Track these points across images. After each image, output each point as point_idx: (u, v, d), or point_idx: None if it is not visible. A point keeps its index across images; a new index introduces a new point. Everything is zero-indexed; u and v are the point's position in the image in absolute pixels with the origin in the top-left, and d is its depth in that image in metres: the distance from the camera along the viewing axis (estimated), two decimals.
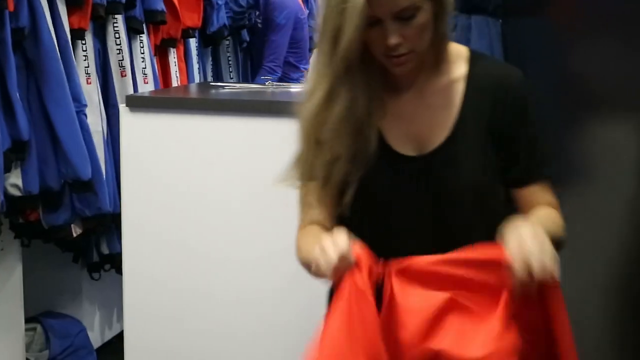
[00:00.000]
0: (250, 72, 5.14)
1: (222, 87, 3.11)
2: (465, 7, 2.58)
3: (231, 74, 4.89)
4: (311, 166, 1.75)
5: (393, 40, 1.63)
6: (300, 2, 5.15)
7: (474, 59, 1.78)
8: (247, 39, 4.87)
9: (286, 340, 2.59)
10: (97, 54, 3.52)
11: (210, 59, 4.70)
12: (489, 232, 1.64)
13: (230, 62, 4.88)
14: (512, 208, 1.74)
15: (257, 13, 4.87)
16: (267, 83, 3.30)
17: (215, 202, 2.86)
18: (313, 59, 1.87)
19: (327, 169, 1.73)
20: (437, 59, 1.75)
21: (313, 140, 1.74)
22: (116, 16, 3.53)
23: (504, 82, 1.75)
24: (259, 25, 4.92)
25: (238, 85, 3.32)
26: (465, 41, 2.51)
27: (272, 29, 4.90)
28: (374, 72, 1.71)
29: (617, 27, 2.07)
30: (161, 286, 2.98)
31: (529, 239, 1.51)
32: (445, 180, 1.73)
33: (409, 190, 1.74)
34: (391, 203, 1.75)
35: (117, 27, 3.54)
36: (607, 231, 2.03)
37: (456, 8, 2.47)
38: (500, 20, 2.65)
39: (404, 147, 1.75)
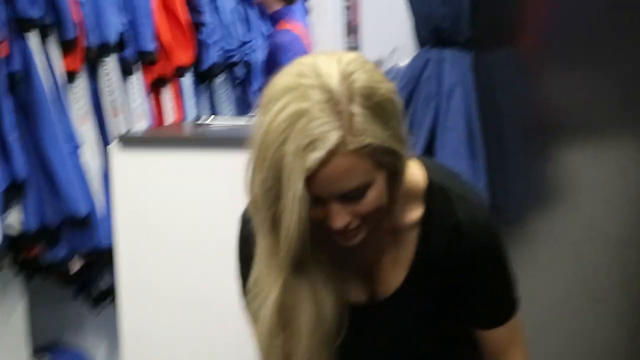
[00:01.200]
0: (247, 105, 5.19)
1: (208, 124, 3.19)
2: (437, 41, 2.58)
3: (229, 108, 4.94)
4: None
5: (338, 223, 1.41)
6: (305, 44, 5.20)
7: (431, 198, 1.58)
8: (242, 75, 4.91)
9: None
10: (92, 95, 3.56)
11: (208, 94, 4.75)
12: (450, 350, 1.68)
13: (226, 97, 4.93)
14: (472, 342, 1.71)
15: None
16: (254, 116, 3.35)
17: (207, 236, 2.87)
18: None
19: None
20: (391, 218, 1.54)
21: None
22: (105, 59, 3.56)
23: (461, 233, 1.57)
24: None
25: (225, 121, 3.39)
26: (438, 74, 2.54)
27: (275, 70, 4.93)
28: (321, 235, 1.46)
29: (581, 58, 2.11)
30: (157, 320, 3.01)
31: None
32: (395, 327, 1.65)
33: (362, 338, 1.63)
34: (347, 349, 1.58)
35: (106, 69, 3.58)
36: (571, 254, 2.10)
37: (429, 42, 2.56)
38: (471, 53, 2.64)
39: (356, 296, 1.63)
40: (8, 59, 3.06)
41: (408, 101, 2.48)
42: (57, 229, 3.31)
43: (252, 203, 1.42)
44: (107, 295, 3.77)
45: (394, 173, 1.42)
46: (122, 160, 2.87)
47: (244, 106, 5.10)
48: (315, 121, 1.30)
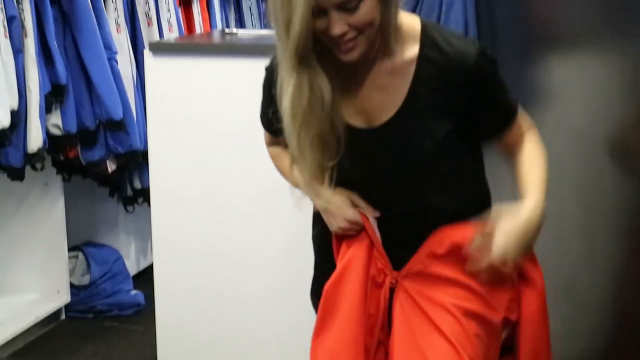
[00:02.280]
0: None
1: (235, 34, 3.35)
2: None
3: (253, 23, 5.12)
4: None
5: (336, 30, 1.65)
6: None
7: (425, 38, 1.78)
8: None
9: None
10: (126, 5, 3.78)
11: (233, 8, 4.93)
12: (447, 191, 1.84)
13: (251, 11, 5.11)
14: (475, 161, 1.90)
15: None
16: None
17: (234, 136, 2.97)
18: None
19: (301, 150, 1.78)
20: (386, 42, 1.75)
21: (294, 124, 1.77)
22: None
23: (460, 63, 1.76)
24: None
25: (250, 31, 3.55)
26: None
27: None
28: (328, 55, 1.72)
29: None
30: (187, 218, 3.11)
31: (513, 239, 1.71)
32: (392, 149, 1.81)
33: (361, 158, 1.82)
34: (348, 170, 1.82)
35: None
36: (555, 150, 2.29)
37: None
38: None
39: (355, 121, 1.81)
40: None
41: (412, 11, 2.65)
42: (94, 131, 3.56)
43: (270, 11, 1.66)
44: (139, 196, 4.03)
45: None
46: (155, 66, 2.99)
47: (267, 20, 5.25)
48: None
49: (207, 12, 4.45)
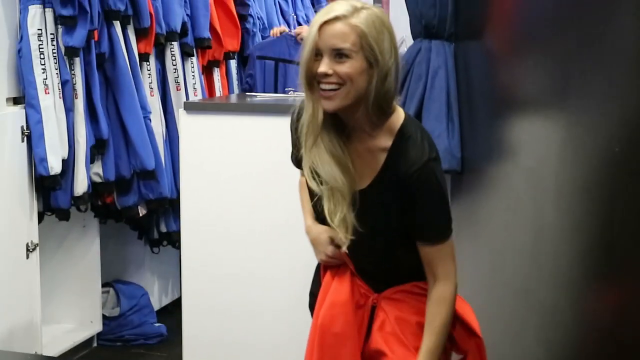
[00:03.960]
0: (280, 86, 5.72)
1: (256, 95, 3.83)
2: (426, 33, 3.15)
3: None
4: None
5: (322, 67, 2.01)
6: None
7: (398, 137, 2.11)
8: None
9: None
10: (158, 72, 4.23)
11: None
12: (408, 259, 2.20)
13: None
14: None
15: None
16: (289, 92, 3.95)
17: (256, 183, 3.30)
18: None
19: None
20: (367, 118, 2.08)
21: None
22: (173, 43, 4.23)
23: (408, 172, 2.08)
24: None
25: (267, 94, 3.98)
26: (427, 59, 3.12)
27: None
28: (333, 129, 2.09)
29: (536, 48, 2.48)
30: (213, 257, 3.43)
31: None
32: (364, 212, 2.14)
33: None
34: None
35: (173, 51, 4.26)
36: (513, 195, 2.64)
37: (420, 34, 3.15)
38: (453, 44, 3.18)
39: None
40: (98, 42, 3.77)
41: (404, 79, 3.11)
42: (129, 180, 3.99)
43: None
44: (164, 239, 4.43)
45: (371, 69, 2.02)
46: (188, 122, 3.43)
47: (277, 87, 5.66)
48: (338, 6, 2.03)
49: (225, 79, 4.89)
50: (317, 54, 2.04)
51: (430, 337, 2.17)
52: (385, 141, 2.14)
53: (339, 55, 2.02)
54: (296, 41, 4.93)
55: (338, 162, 2.12)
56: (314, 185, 2.15)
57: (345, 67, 2.01)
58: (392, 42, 2.07)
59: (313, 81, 2.06)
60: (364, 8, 2.05)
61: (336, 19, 2.02)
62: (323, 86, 2.05)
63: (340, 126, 2.13)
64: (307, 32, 2.06)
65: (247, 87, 5.09)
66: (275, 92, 4.85)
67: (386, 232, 2.21)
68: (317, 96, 2.07)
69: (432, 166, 2.12)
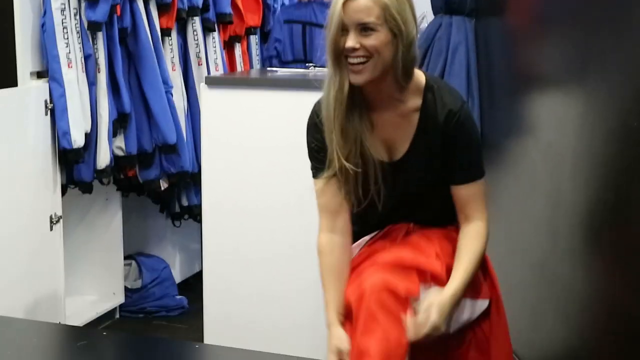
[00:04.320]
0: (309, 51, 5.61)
1: (277, 70, 3.84)
2: (447, 9, 3.18)
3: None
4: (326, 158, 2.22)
5: (349, 42, 2.08)
6: None
7: (426, 93, 2.19)
8: None
9: None
10: (180, 47, 4.24)
11: None
12: (442, 207, 2.27)
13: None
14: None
15: None
16: (309, 67, 3.93)
17: (277, 158, 3.32)
18: None
19: (332, 164, 2.19)
20: (396, 86, 2.16)
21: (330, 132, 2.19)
22: (194, 18, 4.23)
23: (448, 116, 2.17)
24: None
25: (288, 69, 3.97)
26: (447, 35, 3.15)
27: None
28: (359, 101, 2.16)
29: (554, 27, 2.58)
30: (233, 228, 3.45)
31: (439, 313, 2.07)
32: (407, 179, 2.23)
33: (385, 184, 2.23)
34: (373, 194, 2.23)
35: (195, 26, 4.26)
36: (531, 169, 2.69)
37: (442, 10, 3.17)
38: (474, 20, 3.21)
39: (378, 154, 2.23)
40: (120, 17, 3.78)
41: (424, 55, 3.14)
42: (151, 154, 4.01)
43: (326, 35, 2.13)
44: (186, 212, 4.45)
45: (396, 40, 2.09)
46: (209, 97, 3.44)
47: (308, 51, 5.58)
48: None
49: (247, 55, 4.89)
50: (343, 29, 2.10)
51: (464, 269, 2.17)
52: (416, 101, 2.22)
53: (365, 29, 2.08)
54: (322, 4, 4.91)
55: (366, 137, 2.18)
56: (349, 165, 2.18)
57: (371, 40, 2.08)
58: (412, 12, 2.14)
59: (340, 56, 2.12)
60: None
61: None
62: (351, 60, 2.11)
63: (364, 102, 2.19)
64: (332, 7, 2.11)
65: (275, 52, 5.10)
66: (305, 57, 4.86)
67: (428, 188, 2.28)
68: (345, 71, 2.12)
69: (467, 108, 2.24)
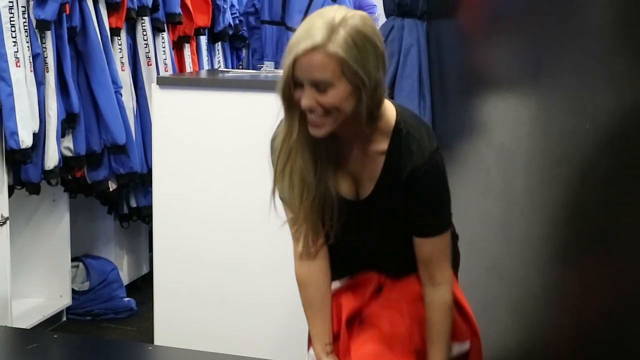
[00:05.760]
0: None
1: (227, 71, 3.84)
2: (399, 12, 3.19)
3: (238, 65, 5.52)
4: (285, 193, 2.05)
5: (304, 102, 1.88)
6: None
7: (394, 137, 2.01)
8: (247, 36, 5.45)
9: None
10: (129, 47, 4.22)
11: (218, 52, 5.31)
12: (412, 254, 2.12)
13: (234, 55, 5.54)
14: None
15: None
16: (261, 67, 3.95)
17: (229, 159, 3.29)
18: None
19: (297, 200, 2.03)
20: (361, 129, 1.97)
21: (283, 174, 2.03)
22: (144, 18, 4.22)
23: (412, 172, 2.00)
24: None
25: (239, 70, 3.99)
26: (400, 37, 3.16)
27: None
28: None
29: (508, 27, 2.56)
30: (185, 233, 3.43)
31: None
32: (370, 221, 2.11)
33: (351, 222, 2.11)
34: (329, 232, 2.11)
35: (144, 26, 4.25)
36: (482, 168, 2.71)
37: (393, 12, 3.19)
38: (425, 22, 3.22)
39: (346, 194, 2.10)
40: (69, 16, 3.74)
41: None
42: (100, 154, 3.99)
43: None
44: (134, 214, 4.44)
45: (358, 90, 1.87)
46: (160, 97, 3.42)
47: (249, 63, 5.63)
48: (314, 29, 1.84)
49: (196, 55, 4.87)
50: (296, 84, 1.91)
51: (440, 345, 2.12)
52: (382, 144, 2.05)
53: (320, 85, 1.88)
54: None
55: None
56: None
57: (329, 98, 1.89)
58: (377, 52, 1.92)
59: (293, 108, 1.96)
60: (342, 23, 1.87)
61: (312, 49, 1.85)
62: (309, 115, 1.93)
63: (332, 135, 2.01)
64: (282, 60, 1.92)
65: (253, 9, 5.14)
66: (282, 19, 4.89)
67: (391, 234, 2.15)
68: (296, 123, 1.97)
69: (436, 160, 2.05)
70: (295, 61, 1.86)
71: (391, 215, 2.11)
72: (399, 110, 2.07)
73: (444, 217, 2.13)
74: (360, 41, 1.87)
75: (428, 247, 2.11)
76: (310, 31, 1.87)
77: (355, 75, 1.87)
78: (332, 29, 1.86)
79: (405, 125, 2.04)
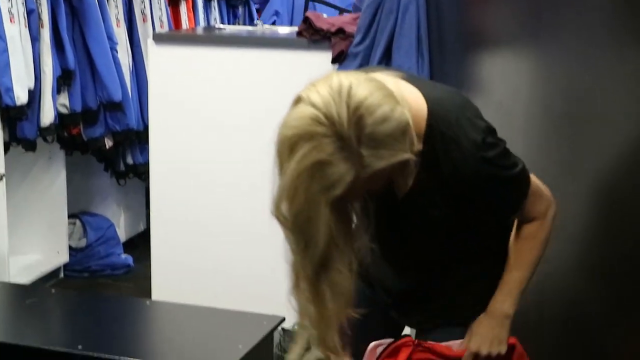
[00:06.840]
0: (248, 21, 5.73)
1: (224, 28, 3.83)
2: None
3: (234, 23, 5.51)
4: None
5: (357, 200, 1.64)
6: None
7: (428, 138, 1.67)
8: None
9: None
10: (124, 3, 4.19)
11: (214, 9, 5.27)
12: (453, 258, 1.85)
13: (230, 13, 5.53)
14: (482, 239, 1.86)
15: None
16: (257, 23, 3.96)
17: (225, 114, 3.28)
18: None
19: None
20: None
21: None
22: None
23: (459, 175, 1.69)
24: None
25: (236, 26, 3.98)
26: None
27: None
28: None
29: None
30: (182, 189, 3.46)
31: (483, 341, 1.82)
32: (408, 218, 1.80)
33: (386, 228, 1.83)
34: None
35: None
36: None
37: None
38: None
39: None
40: None
41: (374, 14, 3.15)
42: (96, 111, 3.98)
43: (281, 222, 1.61)
44: (130, 171, 4.44)
45: (403, 167, 1.59)
46: (156, 54, 3.42)
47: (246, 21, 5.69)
48: (332, 168, 1.51)
49: (192, 13, 4.85)
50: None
51: (518, 270, 1.87)
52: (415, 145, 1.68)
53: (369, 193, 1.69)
54: None
55: None
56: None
57: (379, 187, 1.67)
58: (397, 133, 1.56)
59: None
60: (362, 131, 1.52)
61: (348, 187, 1.54)
62: None
63: None
64: (299, 205, 1.57)
65: None
66: None
67: (433, 243, 1.87)
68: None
69: (486, 155, 1.71)
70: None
71: (436, 213, 1.80)
72: (429, 104, 1.72)
73: (517, 187, 1.81)
74: (384, 138, 1.54)
75: (527, 210, 1.84)
76: (330, 174, 1.54)
77: (397, 163, 1.58)
78: (350, 155, 1.53)
79: (441, 125, 1.71)
